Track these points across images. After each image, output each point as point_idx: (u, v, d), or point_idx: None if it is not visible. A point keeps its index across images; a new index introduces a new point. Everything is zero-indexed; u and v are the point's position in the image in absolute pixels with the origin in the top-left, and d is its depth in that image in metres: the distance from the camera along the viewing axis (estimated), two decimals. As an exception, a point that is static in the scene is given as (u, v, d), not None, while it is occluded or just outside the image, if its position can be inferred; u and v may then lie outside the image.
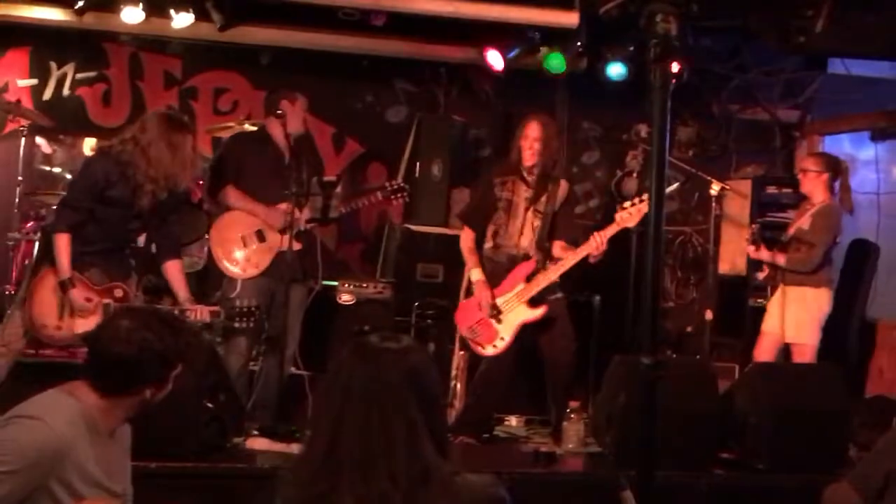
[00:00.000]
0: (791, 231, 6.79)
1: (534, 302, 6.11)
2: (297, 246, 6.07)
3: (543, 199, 6.20)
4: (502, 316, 6.12)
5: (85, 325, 5.33)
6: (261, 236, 6.13)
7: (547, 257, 6.18)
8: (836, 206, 6.77)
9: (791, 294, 6.69)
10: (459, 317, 6.32)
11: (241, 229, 6.15)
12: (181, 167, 5.50)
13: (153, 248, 5.97)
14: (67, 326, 5.42)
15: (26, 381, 4.96)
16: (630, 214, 5.99)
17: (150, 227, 5.79)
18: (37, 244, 6.32)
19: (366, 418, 2.20)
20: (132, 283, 5.68)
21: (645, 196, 5.99)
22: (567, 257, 6.06)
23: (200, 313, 5.61)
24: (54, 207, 5.52)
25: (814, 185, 6.76)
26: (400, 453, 2.18)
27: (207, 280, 7.34)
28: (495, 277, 6.17)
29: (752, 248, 6.84)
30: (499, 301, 6.12)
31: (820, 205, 6.73)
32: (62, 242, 5.37)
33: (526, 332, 6.14)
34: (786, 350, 6.79)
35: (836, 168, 6.81)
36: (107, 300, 5.46)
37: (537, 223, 6.20)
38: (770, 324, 6.81)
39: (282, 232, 6.03)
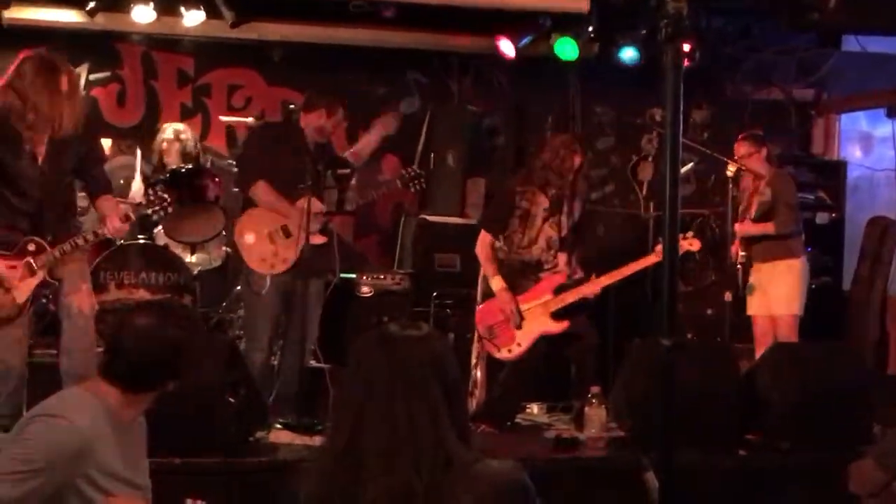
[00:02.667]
0: (753, 208, 6.93)
1: (557, 315, 6.14)
2: (322, 239, 6.09)
3: (561, 213, 6.23)
4: (523, 323, 6.15)
5: (24, 291, 5.17)
6: (286, 231, 6.11)
7: (573, 271, 6.22)
8: (785, 171, 7.20)
9: (767, 270, 6.87)
10: (480, 315, 6.34)
11: (267, 225, 6.14)
12: (60, 107, 5.18)
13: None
14: (7, 303, 5.18)
15: (45, 380, 4.99)
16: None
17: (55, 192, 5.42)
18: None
19: (389, 407, 2.20)
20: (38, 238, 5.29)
21: (689, 234, 6.23)
22: (595, 281, 6.16)
23: (112, 227, 5.32)
24: None
25: (757, 163, 6.98)
26: (423, 441, 2.18)
27: (227, 276, 7.38)
28: (512, 280, 6.20)
29: (738, 225, 7.00)
30: (522, 307, 6.15)
31: (771, 175, 6.96)
32: None
33: (547, 338, 6.18)
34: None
35: (763, 142, 7.09)
36: (26, 259, 5.18)
37: (553, 236, 6.22)
38: (755, 304, 6.94)
39: (304, 226, 6.00)
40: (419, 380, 2.23)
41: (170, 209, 5.61)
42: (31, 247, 5.23)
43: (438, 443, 2.20)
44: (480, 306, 6.39)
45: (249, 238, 6.18)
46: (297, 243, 6.04)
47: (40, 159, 5.21)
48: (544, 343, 6.20)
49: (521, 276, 6.22)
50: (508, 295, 6.15)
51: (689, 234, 6.24)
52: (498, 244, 6.25)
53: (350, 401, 2.25)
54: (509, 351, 6.19)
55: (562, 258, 6.28)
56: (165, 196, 5.55)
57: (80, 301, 5.34)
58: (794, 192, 7.01)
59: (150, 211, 5.59)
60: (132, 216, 5.48)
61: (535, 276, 6.25)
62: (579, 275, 6.27)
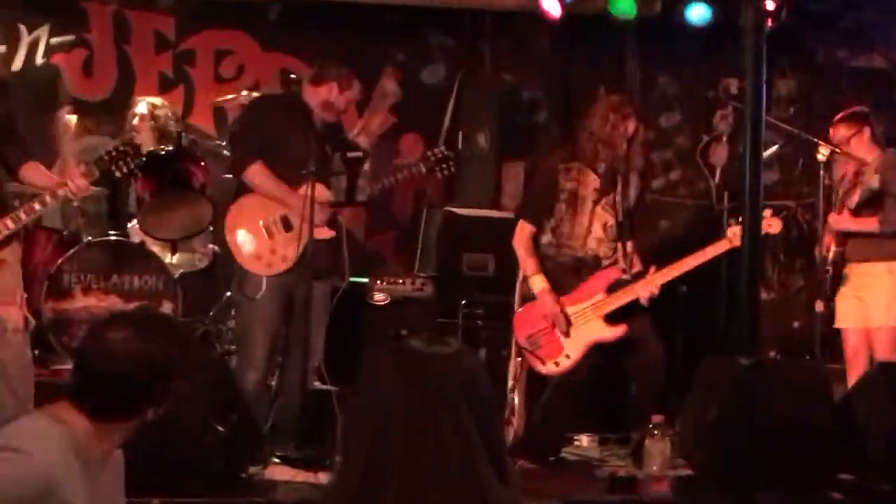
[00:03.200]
0: (855, 198, 6.83)
1: (611, 318, 6.12)
2: (328, 234, 6.13)
3: (616, 192, 6.21)
4: (571, 329, 6.12)
5: None
6: (286, 224, 6.12)
7: (629, 265, 6.19)
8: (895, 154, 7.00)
9: (863, 273, 6.80)
10: (519, 323, 6.32)
11: (263, 216, 6.15)
12: None
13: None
14: None
15: None
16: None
17: None
18: None
19: (412, 439, 2.21)
20: None
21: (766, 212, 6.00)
22: (651, 278, 6.11)
23: (75, 185, 5.42)
24: None
25: (860, 147, 6.91)
26: (454, 479, 2.20)
27: (215, 279, 7.41)
28: (557, 280, 6.16)
29: (833, 216, 6.91)
30: (569, 310, 6.12)
31: (878, 159, 6.87)
32: None
33: (601, 348, 6.16)
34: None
35: (866, 119, 7.03)
36: None
37: (609, 221, 6.19)
38: (846, 315, 6.87)
39: (307, 218, 6.03)
40: (447, 407, 2.24)
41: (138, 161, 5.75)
42: None
43: (470, 480, 2.21)
44: (519, 311, 6.37)
45: (242, 232, 6.21)
46: (298, 238, 6.06)
47: None
48: (597, 355, 6.18)
49: (574, 275, 6.21)
50: (552, 296, 6.14)
51: (768, 212, 6.15)
52: (545, 238, 6.23)
53: (365, 430, 2.27)
54: (556, 364, 6.18)
55: (618, 249, 6.27)
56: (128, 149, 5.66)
57: (16, 314, 5.46)
58: None
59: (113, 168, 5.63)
60: (95, 171, 5.55)
61: (590, 273, 6.24)
62: (638, 268, 6.24)
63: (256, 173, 6.15)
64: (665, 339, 6.37)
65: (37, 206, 5.50)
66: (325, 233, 6.08)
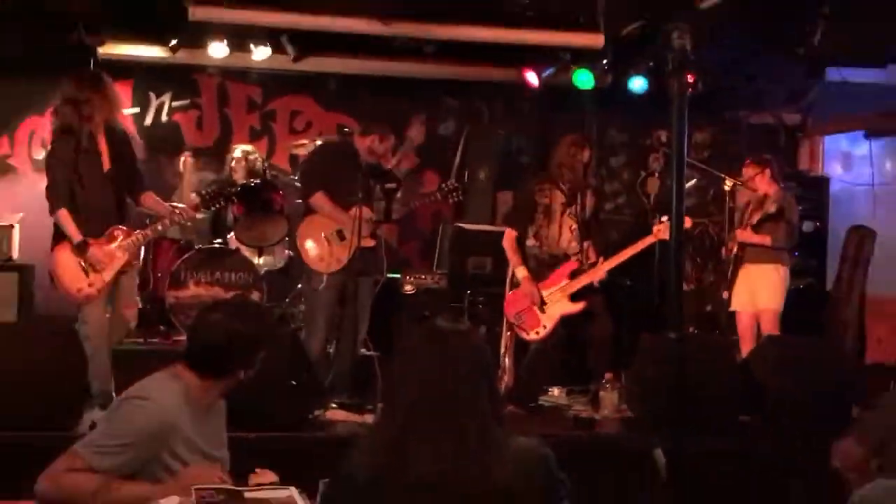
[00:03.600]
0: (755, 218, 6.83)
1: (575, 297, 6.10)
2: (371, 242, 6.09)
3: (576, 206, 6.18)
4: (546, 307, 6.10)
5: (109, 272, 5.33)
6: (341, 236, 6.12)
7: (586, 257, 6.16)
8: (789, 192, 7.09)
9: (756, 271, 6.78)
10: (508, 304, 6.29)
11: (324, 230, 6.16)
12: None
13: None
14: (97, 280, 5.32)
15: (135, 366, 5.02)
16: (667, 226, 5.94)
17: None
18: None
19: (441, 390, 2.20)
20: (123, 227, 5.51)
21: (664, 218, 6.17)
22: (600, 266, 6.09)
23: (184, 213, 5.64)
24: (47, 194, 5.33)
25: (763, 183, 6.90)
26: (468, 419, 2.19)
27: (290, 275, 7.39)
28: (539, 272, 6.14)
29: (739, 231, 6.89)
30: (544, 293, 6.10)
31: (778, 192, 6.90)
32: (64, 216, 5.28)
33: (568, 319, 6.11)
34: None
35: (767, 163, 6.97)
36: (114, 243, 5.38)
37: (574, 226, 6.17)
38: (740, 301, 6.86)
39: (356, 231, 6.00)
40: (465, 367, 2.24)
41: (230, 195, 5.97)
42: (117, 233, 5.41)
43: (479, 420, 2.20)
44: (509, 295, 6.32)
45: (309, 241, 6.19)
46: (350, 246, 6.05)
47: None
48: (565, 326, 6.12)
49: (551, 268, 6.17)
50: (532, 282, 6.10)
51: (666, 217, 6.13)
52: (530, 241, 6.20)
53: (406, 384, 2.25)
54: (536, 333, 6.13)
55: (589, 249, 6.21)
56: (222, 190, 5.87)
57: (130, 315, 5.67)
58: (797, 211, 7.00)
59: (210, 202, 5.81)
60: (199, 204, 5.76)
61: (562, 266, 6.19)
62: (593, 260, 6.21)
63: (318, 199, 6.13)
64: (614, 319, 6.32)
65: (159, 227, 5.59)
66: (368, 242, 6.04)
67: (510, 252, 6.22)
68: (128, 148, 5.65)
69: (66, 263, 5.33)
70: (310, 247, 6.18)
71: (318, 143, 7.35)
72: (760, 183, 6.91)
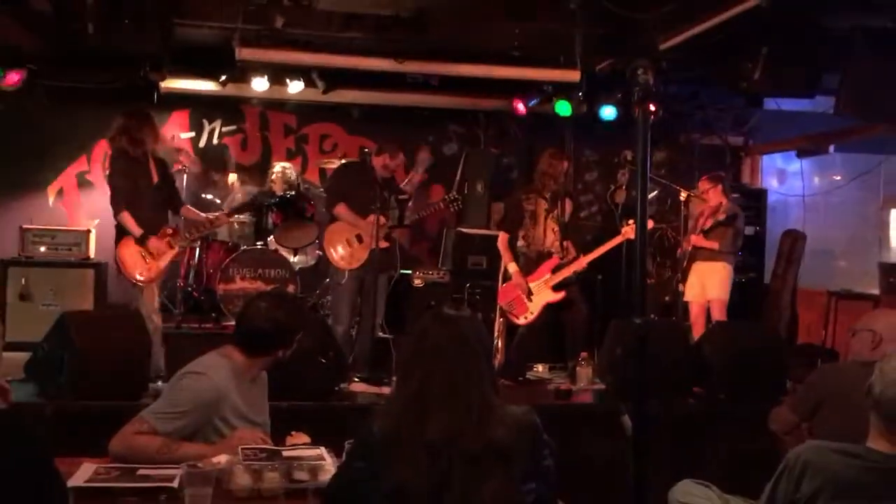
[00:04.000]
0: (708, 224, 6.80)
1: (556, 288, 6.10)
2: (385, 244, 6.08)
3: (556, 211, 6.18)
4: (533, 297, 6.10)
5: (164, 260, 5.55)
6: (360, 239, 6.14)
7: (566, 253, 6.16)
8: (735, 204, 7.03)
9: (706, 267, 6.77)
10: (501, 294, 6.31)
11: (346, 234, 6.17)
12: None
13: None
14: (153, 267, 5.53)
15: (190, 347, 5.04)
16: (633, 228, 5.95)
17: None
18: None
19: (449, 365, 2.20)
20: (173, 225, 5.79)
21: (631, 221, 6.16)
22: (581, 260, 6.10)
23: (218, 219, 5.97)
24: (111, 201, 5.58)
25: (715, 195, 6.89)
26: (472, 391, 2.19)
27: (319, 271, 7.40)
28: (527, 267, 6.16)
29: (693, 236, 6.86)
30: (532, 285, 6.10)
31: (728, 204, 6.88)
32: (126, 217, 5.48)
33: (550, 306, 6.11)
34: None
35: (719, 179, 6.99)
36: (166, 238, 5.58)
37: (556, 228, 6.17)
38: (692, 293, 6.84)
39: (374, 235, 6.02)
40: (469, 347, 2.24)
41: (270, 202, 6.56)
42: (169, 230, 5.63)
43: (481, 392, 2.20)
44: (502, 287, 6.33)
45: (334, 244, 6.21)
46: (367, 247, 6.05)
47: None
48: (548, 313, 6.13)
49: (537, 264, 6.16)
50: (521, 276, 6.11)
51: (632, 221, 6.15)
52: (520, 242, 6.19)
53: (419, 360, 2.25)
54: (525, 318, 6.14)
55: (569, 246, 6.22)
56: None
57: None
58: (743, 220, 6.98)
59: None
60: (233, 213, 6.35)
61: (546, 262, 6.17)
62: (572, 255, 6.20)
63: (340, 210, 6.17)
64: (589, 307, 6.33)
65: (202, 230, 5.94)
66: (383, 244, 6.05)
67: (503, 251, 6.23)
68: (168, 170, 5.93)
69: (130, 254, 5.51)
70: (334, 249, 6.19)
71: (342, 162, 7.35)
72: (714, 195, 6.89)
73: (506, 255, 6.21)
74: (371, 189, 6.04)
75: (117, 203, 5.52)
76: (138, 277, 5.51)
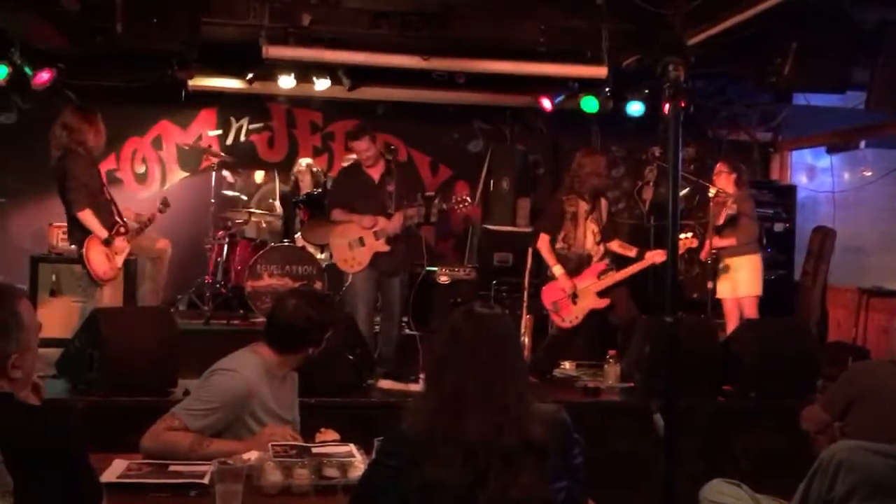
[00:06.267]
0: (721, 219, 6.59)
1: (601, 294, 6.00)
2: (385, 248, 5.99)
3: (596, 212, 6.12)
4: (578, 300, 6.02)
5: (122, 258, 5.61)
6: (362, 242, 6.07)
7: (609, 256, 6.07)
8: (748, 192, 6.75)
9: (734, 263, 6.58)
10: (545, 294, 6.10)
11: (349, 237, 6.11)
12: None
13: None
14: (115, 264, 5.58)
15: (220, 344, 5.06)
16: (657, 253, 5.96)
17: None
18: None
19: (484, 364, 2.19)
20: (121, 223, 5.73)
21: (684, 235, 6.19)
22: (622, 273, 5.99)
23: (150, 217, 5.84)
24: (71, 198, 5.48)
25: (726, 182, 6.63)
26: (508, 389, 2.17)
27: (333, 273, 7.41)
28: (567, 269, 6.05)
29: (714, 238, 6.67)
30: (578, 287, 6.02)
31: (737, 194, 6.58)
32: (89, 216, 5.46)
33: (595, 311, 6.02)
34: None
35: (736, 167, 6.71)
36: (120, 236, 5.60)
37: (596, 229, 6.10)
38: (724, 290, 6.67)
39: (377, 237, 6.00)
40: (503, 344, 2.23)
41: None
42: (122, 229, 5.63)
43: (518, 390, 2.19)
44: (545, 287, 6.12)
45: (335, 247, 6.20)
46: (370, 250, 6.01)
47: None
48: (592, 317, 6.02)
49: (577, 266, 6.06)
50: (568, 278, 5.99)
51: (689, 234, 6.12)
52: (559, 244, 6.06)
53: (454, 357, 2.22)
54: (570, 322, 6.02)
55: (616, 243, 6.14)
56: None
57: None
58: (753, 207, 6.72)
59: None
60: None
61: (587, 265, 6.07)
62: (632, 253, 6.07)
63: (336, 214, 6.17)
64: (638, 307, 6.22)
65: (145, 222, 5.84)
66: (383, 248, 6.00)
67: (546, 253, 6.08)
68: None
69: (96, 253, 5.52)
70: (335, 251, 6.19)
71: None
72: (723, 180, 6.64)
73: (549, 257, 6.06)
74: (366, 192, 6.03)
75: (79, 200, 5.45)
76: (104, 276, 5.53)
